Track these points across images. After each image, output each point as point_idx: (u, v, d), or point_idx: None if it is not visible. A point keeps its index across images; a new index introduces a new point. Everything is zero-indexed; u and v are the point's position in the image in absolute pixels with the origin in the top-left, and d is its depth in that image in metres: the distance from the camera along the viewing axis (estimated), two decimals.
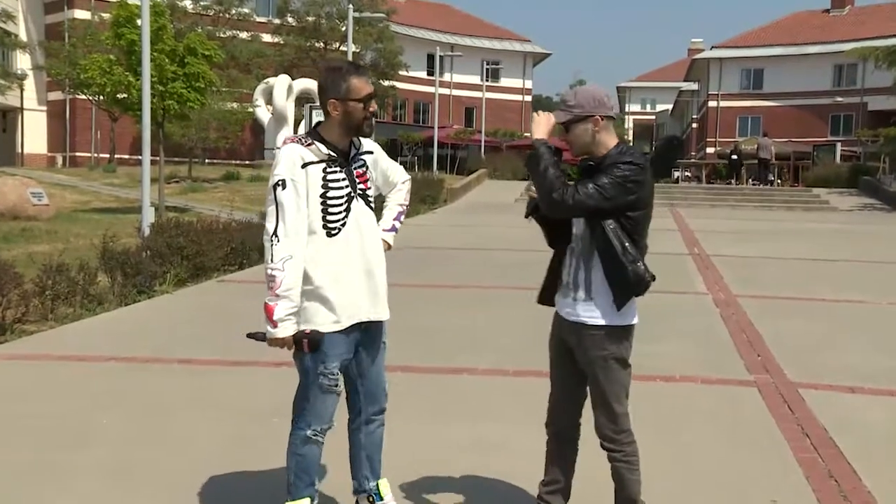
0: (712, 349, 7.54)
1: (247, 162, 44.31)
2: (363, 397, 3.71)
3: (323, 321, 3.47)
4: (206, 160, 42.17)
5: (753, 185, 36.36)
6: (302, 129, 28.51)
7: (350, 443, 3.80)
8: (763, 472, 4.59)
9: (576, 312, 3.42)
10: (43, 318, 8.47)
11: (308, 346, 3.41)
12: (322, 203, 3.44)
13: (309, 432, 3.56)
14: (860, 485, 4.38)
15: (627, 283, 3.33)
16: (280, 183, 3.39)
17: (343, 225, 3.47)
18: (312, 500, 3.65)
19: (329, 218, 3.45)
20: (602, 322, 3.38)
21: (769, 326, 8.36)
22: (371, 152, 3.66)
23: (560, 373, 3.59)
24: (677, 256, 13.89)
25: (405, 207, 3.89)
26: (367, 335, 3.61)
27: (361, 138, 3.62)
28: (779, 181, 38.64)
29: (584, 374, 3.50)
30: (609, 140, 3.41)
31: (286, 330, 3.40)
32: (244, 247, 12.74)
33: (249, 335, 3.55)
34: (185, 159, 37.84)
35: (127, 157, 43.71)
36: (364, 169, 3.59)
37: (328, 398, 3.55)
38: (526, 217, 3.53)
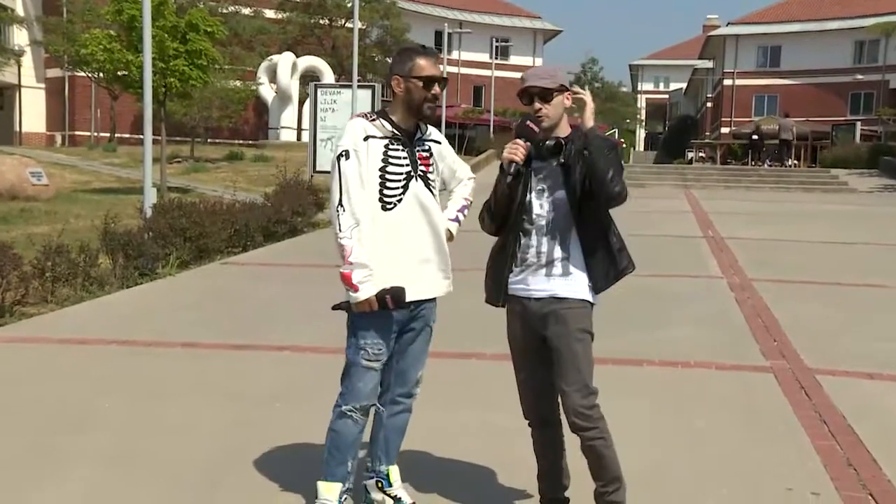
0: (727, 334, 7.52)
1: (250, 142, 44.25)
2: (394, 376, 3.78)
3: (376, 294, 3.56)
4: (209, 140, 42.14)
5: (770, 166, 36.21)
6: (307, 108, 28.48)
7: (373, 420, 3.85)
8: (779, 460, 4.58)
9: (551, 288, 3.45)
10: (43, 300, 8.50)
11: (392, 301, 3.52)
12: (380, 177, 3.57)
13: (345, 408, 3.64)
14: (880, 473, 4.38)
15: (616, 270, 3.47)
16: (343, 154, 3.55)
17: (399, 201, 3.59)
18: (344, 484, 3.68)
19: (386, 192, 3.58)
20: (583, 297, 3.46)
21: (786, 311, 8.34)
22: (438, 142, 3.81)
23: (532, 362, 3.57)
24: (691, 239, 13.84)
25: (469, 202, 3.99)
26: (416, 313, 3.70)
27: (429, 125, 3.76)
28: (795, 162, 38.45)
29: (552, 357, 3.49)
30: (567, 122, 3.54)
31: (367, 291, 3.50)
32: (248, 228, 12.76)
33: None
34: (187, 139, 37.83)
35: (128, 136, 43.68)
36: (428, 154, 3.72)
37: (366, 375, 3.63)
38: (511, 180, 3.46)
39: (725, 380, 6.17)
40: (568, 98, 3.51)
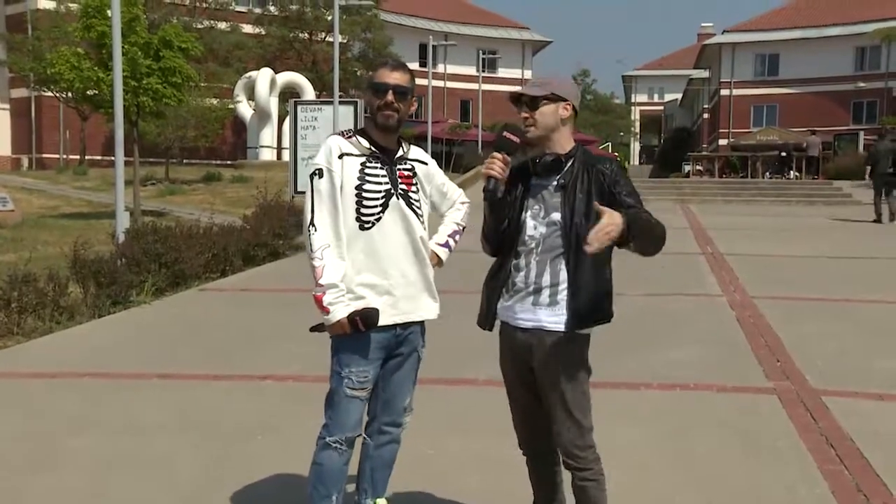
0: (728, 355, 7.53)
1: (228, 162, 44.27)
2: (381, 404, 3.78)
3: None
4: (185, 160, 42.14)
5: (770, 178, 36.70)
6: (287, 126, 28.56)
7: (360, 451, 3.84)
8: (785, 487, 4.58)
9: (537, 318, 3.37)
10: (9, 332, 8.44)
11: (362, 323, 3.53)
12: (357, 195, 3.60)
13: (329, 440, 3.63)
14: (891, 500, 4.38)
15: (597, 314, 3.36)
16: (317, 172, 3.61)
17: (378, 220, 3.61)
18: None
19: (363, 211, 3.61)
20: (570, 330, 3.34)
21: (789, 330, 8.36)
22: (425, 163, 3.82)
23: (522, 392, 3.52)
24: (689, 256, 13.89)
25: (461, 227, 4.00)
26: (401, 338, 3.70)
27: (412, 145, 3.80)
28: (797, 174, 38.85)
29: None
30: (569, 137, 3.43)
31: (339, 312, 3.53)
32: (226, 252, 12.73)
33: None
34: (161, 160, 37.81)
35: (99, 158, 43.65)
36: (411, 173, 3.73)
37: (351, 404, 3.63)
38: (491, 197, 3.37)
39: (727, 403, 6.17)
40: (566, 108, 3.38)
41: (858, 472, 4.74)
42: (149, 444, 5.31)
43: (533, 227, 3.39)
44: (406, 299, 3.66)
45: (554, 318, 3.35)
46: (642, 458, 4.93)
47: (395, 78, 3.62)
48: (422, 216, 3.74)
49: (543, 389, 3.41)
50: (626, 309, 8.31)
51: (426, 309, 3.75)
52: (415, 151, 3.81)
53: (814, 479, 4.65)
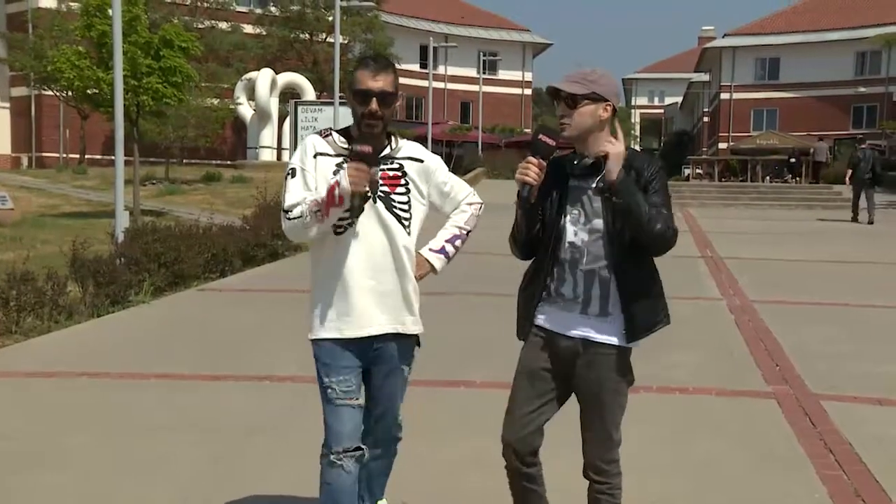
0: (727, 359, 7.53)
1: (228, 162, 44.26)
2: (374, 421, 3.65)
3: (326, 327, 3.46)
4: (185, 160, 42.15)
5: (771, 182, 36.82)
6: (287, 127, 28.63)
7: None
8: (783, 492, 4.58)
9: (586, 329, 3.26)
10: (7, 331, 8.43)
11: (359, 157, 3.29)
12: None
13: (332, 457, 3.46)
14: None
15: (650, 321, 3.28)
16: (290, 172, 3.52)
17: (350, 224, 3.43)
18: None
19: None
20: (619, 343, 3.26)
21: (788, 334, 8.35)
22: (420, 160, 3.57)
23: (539, 399, 3.33)
24: (688, 259, 13.87)
25: (465, 232, 3.74)
26: (379, 352, 3.54)
27: (402, 141, 3.57)
28: (796, 178, 38.99)
29: (562, 399, 3.36)
30: (608, 138, 3.26)
31: (341, 178, 3.29)
32: (226, 253, 12.72)
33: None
34: (161, 159, 37.82)
35: (99, 157, 43.65)
36: (397, 173, 3.51)
37: (341, 412, 3.46)
38: (525, 204, 3.23)
39: (726, 407, 6.16)
40: (606, 109, 3.20)
41: (857, 476, 4.73)
42: (147, 444, 5.30)
43: (573, 233, 3.24)
44: (379, 311, 3.47)
45: (603, 329, 3.25)
46: (640, 462, 4.92)
47: (378, 83, 3.38)
48: (407, 220, 3.51)
49: (583, 402, 3.32)
50: None
51: (401, 322, 3.53)
52: (408, 148, 3.57)
53: (813, 484, 4.64)
